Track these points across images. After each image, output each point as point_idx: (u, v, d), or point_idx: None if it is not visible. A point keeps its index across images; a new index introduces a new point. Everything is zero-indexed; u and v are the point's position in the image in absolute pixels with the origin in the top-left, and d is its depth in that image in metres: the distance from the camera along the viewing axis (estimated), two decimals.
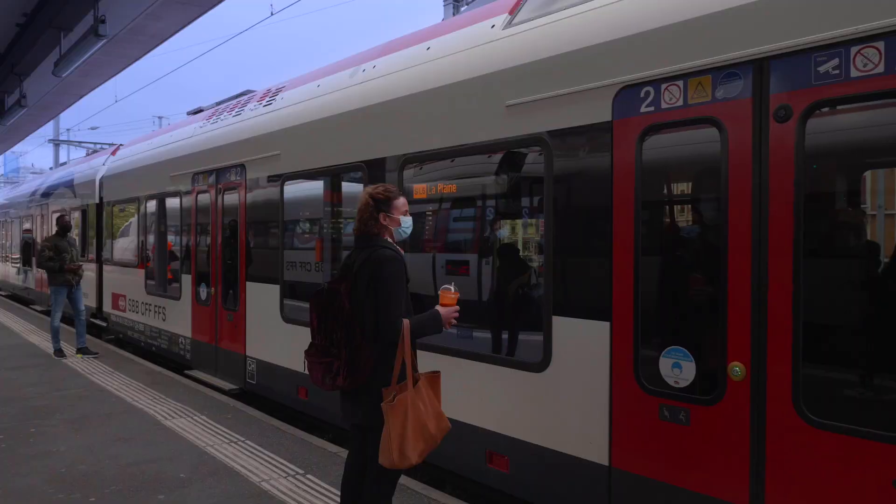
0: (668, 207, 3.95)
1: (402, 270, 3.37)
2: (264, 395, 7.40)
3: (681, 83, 3.57)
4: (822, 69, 3.06)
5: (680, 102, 3.57)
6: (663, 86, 3.64)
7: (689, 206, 3.93)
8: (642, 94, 3.73)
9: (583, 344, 4.04)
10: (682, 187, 4.03)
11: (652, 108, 3.68)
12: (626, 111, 3.81)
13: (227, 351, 8.13)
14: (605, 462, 3.90)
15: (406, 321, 3.30)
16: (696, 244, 3.81)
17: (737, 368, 3.33)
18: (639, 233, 3.74)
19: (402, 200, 3.56)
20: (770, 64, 3.22)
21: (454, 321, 3.49)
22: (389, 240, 3.50)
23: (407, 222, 3.56)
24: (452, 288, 3.48)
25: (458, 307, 3.49)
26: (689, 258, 3.87)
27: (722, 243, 3.40)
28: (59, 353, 10.01)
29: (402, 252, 3.51)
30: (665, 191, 3.94)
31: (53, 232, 10.38)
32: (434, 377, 3.45)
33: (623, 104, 3.83)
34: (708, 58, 3.45)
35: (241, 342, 7.76)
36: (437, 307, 3.46)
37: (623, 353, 3.82)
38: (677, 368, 3.58)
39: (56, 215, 15.39)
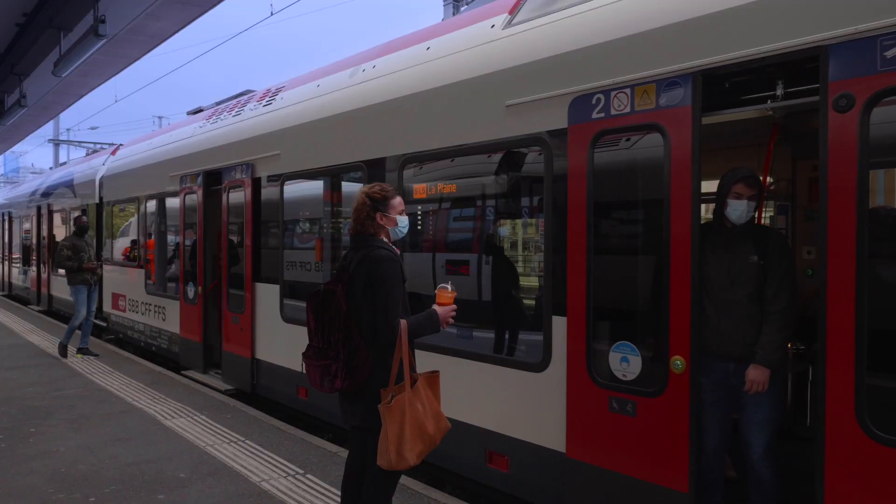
0: (616, 208, 4.14)
1: (398, 270, 3.34)
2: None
3: (628, 90, 3.75)
4: (889, 54, 2.88)
5: (627, 109, 3.75)
6: (613, 93, 3.82)
7: (637, 207, 4.10)
8: (593, 101, 3.92)
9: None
10: (629, 189, 4.16)
11: (603, 115, 3.88)
12: (578, 117, 4.02)
13: (232, 354, 7.97)
14: (563, 451, 4.09)
15: (403, 322, 3.27)
16: (643, 244, 4.00)
17: (678, 362, 3.51)
18: (591, 233, 3.93)
19: (398, 199, 3.52)
20: (830, 50, 3.02)
21: (451, 320, 3.47)
22: (385, 239, 3.47)
23: (403, 221, 3.53)
24: (449, 287, 3.46)
25: (455, 306, 3.46)
26: (636, 257, 4.07)
27: (665, 243, 3.58)
28: (63, 349, 9.95)
29: (399, 252, 3.49)
30: (614, 192, 4.11)
31: (71, 232, 10.39)
32: (433, 377, 3.43)
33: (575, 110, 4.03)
34: (653, 69, 3.63)
35: (248, 345, 7.61)
36: (434, 306, 3.44)
37: (577, 348, 4.01)
38: (625, 362, 3.81)
39: (58, 215, 15.44)
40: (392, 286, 3.28)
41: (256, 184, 7.53)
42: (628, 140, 3.92)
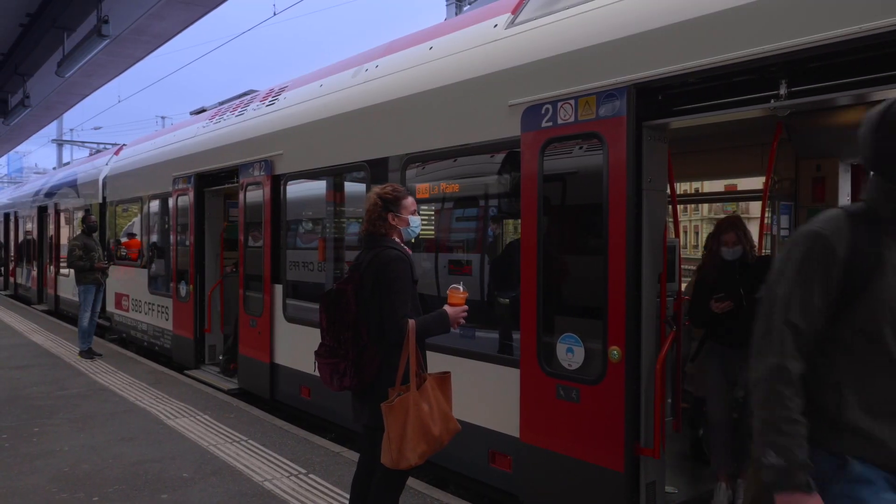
0: (562, 211, 4.40)
1: (407, 270, 3.35)
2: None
3: (573, 102, 4.04)
4: None
5: (572, 119, 4.05)
6: (559, 104, 4.12)
7: (580, 209, 4.37)
8: (543, 111, 4.22)
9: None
10: (575, 193, 4.41)
11: (550, 123, 4.18)
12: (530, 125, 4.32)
13: (249, 358, 7.77)
14: (517, 436, 4.38)
15: (411, 322, 3.27)
16: (586, 243, 4.29)
17: (615, 352, 3.79)
18: (541, 233, 4.25)
19: (410, 200, 3.54)
20: None
21: (462, 321, 3.46)
22: (397, 240, 3.48)
23: (415, 222, 3.55)
24: (461, 287, 3.46)
25: (466, 307, 3.47)
26: (580, 255, 4.35)
27: (603, 243, 3.86)
28: (86, 353, 9.84)
29: (410, 252, 3.51)
30: (561, 195, 4.39)
31: (79, 231, 10.30)
32: (443, 378, 3.42)
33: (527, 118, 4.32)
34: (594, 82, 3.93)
35: (267, 349, 7.37)
36: (445, 307, 3.43)
37: (528, 340, 4.30)
38: (570, 353, 4.10)
39: (62, 214, 15.47)
40: (400, 286, 3.29)
41: (276, 181, 7.28)
42: (573, 147, 4.19)
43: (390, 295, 3.27)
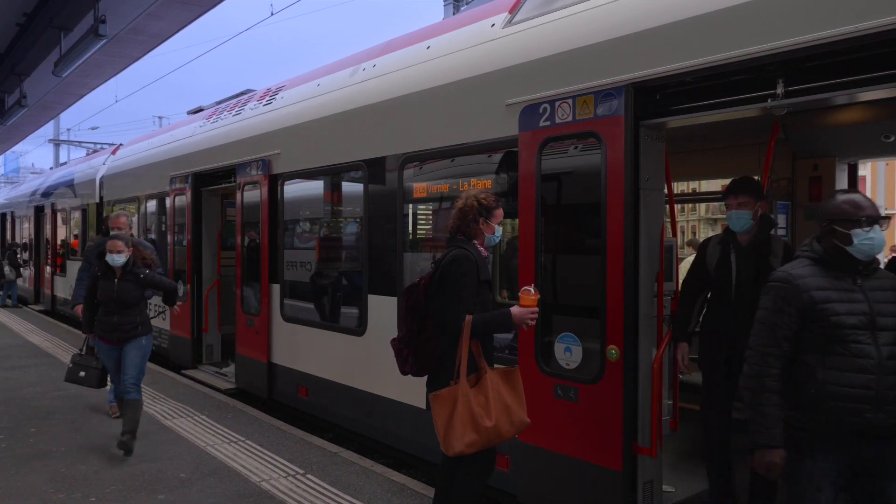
0: (560, 210, 4.41)
1: (472, 269, 3.49)
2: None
3: (570, 101, 4.04)
4: None
5: (569, 118, 4.05)
6: (557, 103, 4.13)
7: (578, 208, 4.37)
8: (540, 110, 4.24)
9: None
10: (572, 192, 4.40)
11: (548, 123, 4.19)
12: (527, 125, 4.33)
13: (247, 358, 7.74)
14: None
15: (468, 317, 3.41)
16: (584, 242, 4.29)
17: (613, 351, 3.80)
18: (539, 233, 4.25)
19: (500, 211, 3.70)
20: None
21: (531, 322, 3.51)
22: (476, 242, 3.62)
23: (499, 231, 3.72)
24: (532, 289, 3.53)
25: (537, 308, 3.50)
26: (578, 254, 4.36)
27: (601, 242, 3.87)
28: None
29: (485, 255, 3.64)
30: (559, 195, 4.40)
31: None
32: (511, 372, 3.56)
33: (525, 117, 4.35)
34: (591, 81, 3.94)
35: (264, 349, 7.33)
36: (515, 307, 3.53)
37: (526, 340, 4.29)
38: (569, 352, 4.11)
39: (62, 215, 15.42)
40: (462, 284, 3.45)
41: (273, 181, 7.23)
42: (570, 146, 4.19)
43: (452, 292, 3.45)
